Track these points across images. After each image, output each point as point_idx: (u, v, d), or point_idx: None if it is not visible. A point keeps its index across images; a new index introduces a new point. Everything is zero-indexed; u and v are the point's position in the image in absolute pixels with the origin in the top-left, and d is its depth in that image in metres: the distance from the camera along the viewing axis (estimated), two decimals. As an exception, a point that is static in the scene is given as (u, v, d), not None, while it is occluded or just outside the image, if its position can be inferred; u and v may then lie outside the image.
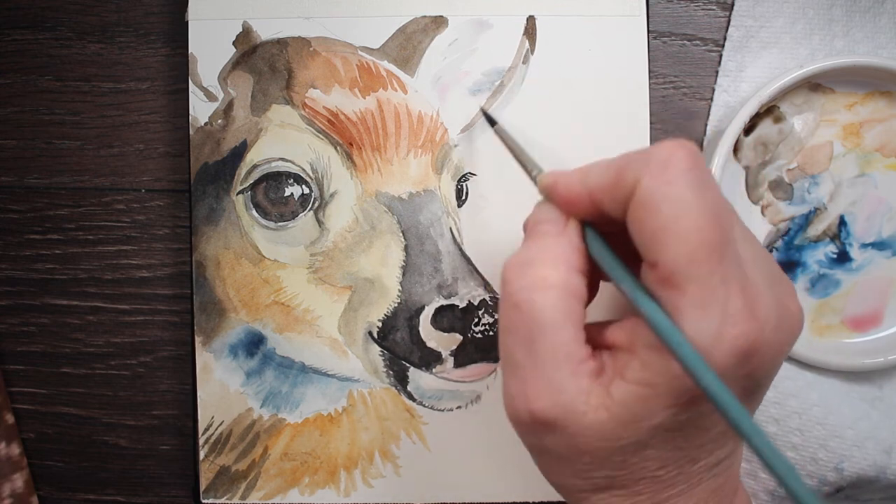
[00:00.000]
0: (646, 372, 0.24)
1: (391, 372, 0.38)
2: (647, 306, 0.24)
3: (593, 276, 0.27)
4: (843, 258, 0.39)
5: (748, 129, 0.38)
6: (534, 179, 0.30)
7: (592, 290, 0.28)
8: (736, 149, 0.38)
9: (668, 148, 0.24)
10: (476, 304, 0.37)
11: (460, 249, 0.38)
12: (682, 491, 0.26)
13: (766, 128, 0.38)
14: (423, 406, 0.38)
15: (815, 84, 0.38)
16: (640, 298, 0.24)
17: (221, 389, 0.38)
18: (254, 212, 0.38)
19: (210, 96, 0.38)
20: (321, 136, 0.38)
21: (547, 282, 0.25)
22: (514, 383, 0.26)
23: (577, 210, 0.26)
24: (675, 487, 0.26)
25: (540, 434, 0.25)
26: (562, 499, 0.38)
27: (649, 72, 0.38)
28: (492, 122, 0.37)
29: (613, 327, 0.26)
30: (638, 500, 0.26)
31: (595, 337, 0.26)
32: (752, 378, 0.24)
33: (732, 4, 0.39)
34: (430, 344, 0.37)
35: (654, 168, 0.23)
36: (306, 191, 0.38)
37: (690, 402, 0.24)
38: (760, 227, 0.39)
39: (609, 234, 0.27)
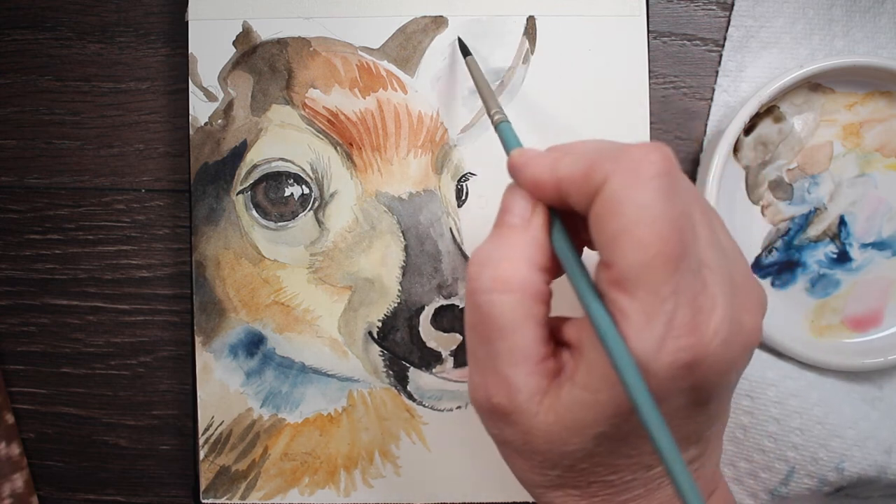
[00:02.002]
0: (590, 377, 0.23)
1: (391, 372, 0.38)
2: (594, 309, 0.23)
3: (558, 267, 0.27)
4: (843, 258, 0.39)
5: (748, 129, 0.38)
6: (492, 118, 0.31)
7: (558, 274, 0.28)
8: (736, 149, 0.38)
9: (641, 150, 0.23)
10: (476, 304, 0.37)
11: (460, 249, 0.38)
12: (639, 495, 0.26)
13: (766, 128, 0.38)
14: (423, 406, 0.38)
15: (815, 84, 0.38)
16: (590, 301, 0.23)
17: (221, 389, 0.38)
18: (254, 212, 0.38)
19: (210, 96, 0.38)
20: (321, 136, 0.38)
21: (507, 284, 0.24)
22: (476, 374, 0.26)
23: (543, 196, 0.26)
24: (630, 492, 0.25)
25: (499, 425, 0.26)
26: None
27: (649, 72, 0.38)
28: (466, 51, 0.37)
29: (568, 324, 0.26)
30: (593, 500, 0.26)
31: (557, 332, 0.26)
32: (697, 391, 0.24)
33: (732, 4, 0.39)
34: (430, 344, 0.37)
35: (624, 169, 0.23)
36: (306, 191, 0.38)
37: (631, 411, 0.23)
38: (760, 226, 0.39)
39: (573, 219, 0.26)
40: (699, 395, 0.24)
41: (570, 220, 0.26)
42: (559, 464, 0.25)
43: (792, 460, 0.36)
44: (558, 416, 0.24)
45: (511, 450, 0.26)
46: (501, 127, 0.30)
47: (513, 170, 0.27)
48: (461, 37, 0.38)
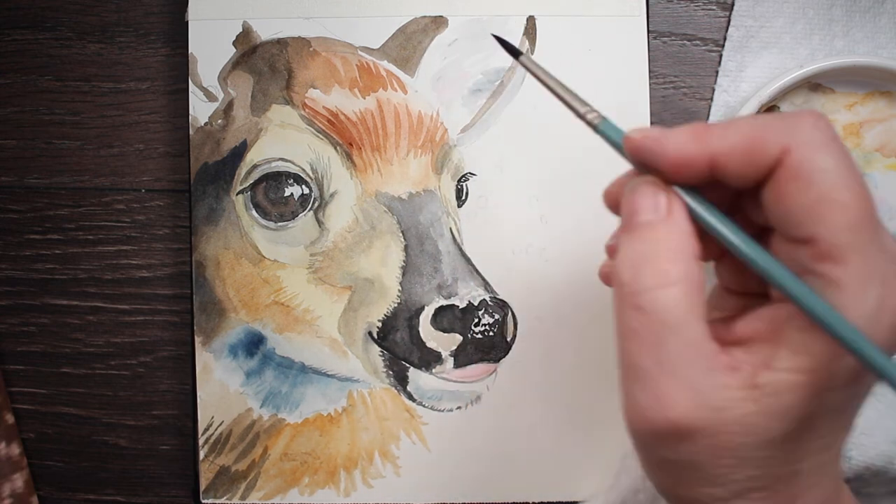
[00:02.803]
0: (799, 358, 0.22)
1: (391, 372, 0.38)
2: (798, 288, 0.22)
3: (705, 254, 0.25)
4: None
5: (748, 129, 0.38)
6: (585, 119, 0.27)
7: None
8: (736, 148, 0.38)
9: (811, 116, 0.22)
10: (476, 304, 0.37)
11: (460, 249, 0.38)
12: (815, 483, 0.24)
13: (766, 128, 0.38)
14: (423, 406, 0.38)
15: (815, 84, 0.38)
16: (787, 279, 0.22)
17: (221, 389, 0.38)
18: (254, 212, 0.38)
19: (210, 96, 0.38)
20: (321, 136, 0.38)
21: (669, 277, 0.23)
22: (642, 392, 0.23)
23: (687, 176, 0.24)
24: (809, 478, 0.24)
25: (674, 444, 0.23)
26: (561, 499, 0.38)
27: (649, 72, 0.38)
28: (515, 52, 0.30)
29: (745, 320, 0.24)
30: (777, 499, 0.24)
31: (719, 334, 0.24)
32: None
33: (732, 4, 0.39)
34: (430, 344, 0.37)
35: (805, 137, 0.22)
36: (306, 191, 0.38)
37: (847, 382, 0.23)
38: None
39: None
40: None
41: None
42: (753, 459, 0.23)
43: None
44: (761, 404, 0.22)
45: (684, 468, 0.24)
46: (603, 126, 0.26)
47: (644, 152, 0.24)
48: (495, 34, 0.32)
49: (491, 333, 0.37)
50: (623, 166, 0.26)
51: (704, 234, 0.24)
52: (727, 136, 0.23)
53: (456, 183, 0.38)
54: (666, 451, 0.24)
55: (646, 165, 0.25)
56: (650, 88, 0.38)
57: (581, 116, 0.27)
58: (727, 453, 0.23)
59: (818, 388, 0.22)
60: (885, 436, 0.36)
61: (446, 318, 0.37)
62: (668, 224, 0.24)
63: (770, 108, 0.38)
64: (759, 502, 0.24)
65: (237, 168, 0.38)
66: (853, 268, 0.21)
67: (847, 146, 0.38)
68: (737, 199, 0.26)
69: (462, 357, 0.37)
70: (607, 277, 0.27)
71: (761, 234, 0.25)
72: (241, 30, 0.38)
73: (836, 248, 0.21)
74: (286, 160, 0.38)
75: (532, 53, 0.38)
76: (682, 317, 0.23)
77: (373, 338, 0.38)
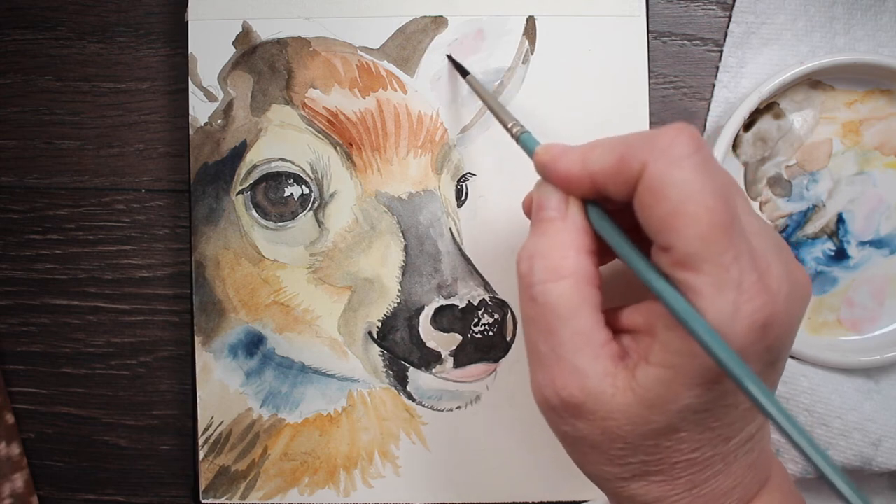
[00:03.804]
0: (667, 354, 0.24)
1: (391, 372, 0.38)
2: (662, 288, 0.24)
3: (603, 251, 0.27)
4: (840, 256, 0.39)
5: (748, 125, 0.38)
6: (510, 132, 0.31)
7: (605, 261, 0.28)
8: (735, 145, 0.38)
9: (671, 132, 0.24)
10: (475, 304, 0.37)
11: (460, 249, 0.38)
12: (719, 471, 0.26)
13: (765, 124, 0.38)
14: (423, 406, 0.38)
15: (815, 81, 0.38)
16: (655, 280, 0.24)
17: (221, 389, 0.38)
18: (253, 212, 0.38)
19: (210, 96, 0.38)
20: (321, 136, 0.38)
21: (559, 272, 0.25)
22: (540, 372, 0.26)
23: (577, 191, 0.26)
24: (712, 468, 0.26)
25: (571, 420, 0.26)
26: (561, 499, 0.38)
27: (649, 72, 0.38)
28: (463, 71, 0.37)
29: (630, 311, 0.26)
30: (676, 484, 0.26)
31: (614, 322, 0.26)
32: (771, 351, 0.24)
33: (733, 3, 0.39)
34: (430, 344, 0.37)
35: (659, 152, 0.23)
36: (306, 191, 0.38)
37: (714, 380, 0.24)
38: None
39: (615, 215, 0.27)
40: (771, 354, 0.25)
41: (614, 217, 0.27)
42: (642, 446, 0.25)
43: (776, 444, 0.37)
44: (637, 395, 0.24)
45: (586, 446, 0.26)
46: (524, 138, 0.30)
47: (542, 168, 0.27)
48: (450, 54, 0.38)
49: (490, 333, 0.37)
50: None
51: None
52: (603, 156, 0.25)
53: (456, 183, 0.38)
54: (565, 426, 0.26)
55: (546, 179, 0.28)
56: (650, 88, 0.38)
57: (507, 129, 0.31)
58: (619, 439, 0.25)
59: (688, 385, 0.24)
60: (864, 438, 0.36)
61: (446, 317, 0.37)
62: (566, 220, 0.26)
63: (770, 104, 0.38)
64: (658, 485, 0.26)
65: (237, 168, 0.38)
66: (706, 276, 0.23)
67: (845, 144, 0.38)
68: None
69: (462, 357, 0.37)
70: (528, 208, 0.29)
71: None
72: (240, 30, 0.38)
73: (690, 257, 0.23)
74: (286, 160, 0.38)
75: (532, 53, 0.38)
76: (571, 308, 0.25)
77: (373, 338, 0.38)
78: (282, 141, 0.38)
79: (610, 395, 0.25)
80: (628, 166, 0.24)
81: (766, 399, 0.22)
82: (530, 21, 0.38)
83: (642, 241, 0.25)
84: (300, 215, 0.38)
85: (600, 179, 0.25)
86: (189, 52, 0.38)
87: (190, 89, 0.38)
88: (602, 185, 0.25)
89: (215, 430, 0.38)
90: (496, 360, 0.38)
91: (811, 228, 0.39)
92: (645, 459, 0.26)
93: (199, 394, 0.38)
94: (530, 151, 0.29)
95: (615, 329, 0.26)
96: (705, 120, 0.39)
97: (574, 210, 0.27)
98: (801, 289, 0.25)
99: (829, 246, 0.39)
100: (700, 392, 0.24)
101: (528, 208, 0.29)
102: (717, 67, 0.39)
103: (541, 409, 0.27)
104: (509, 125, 0.31)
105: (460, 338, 0.37)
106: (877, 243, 0.39)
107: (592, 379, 0.25)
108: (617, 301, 0.27)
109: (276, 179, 0.38)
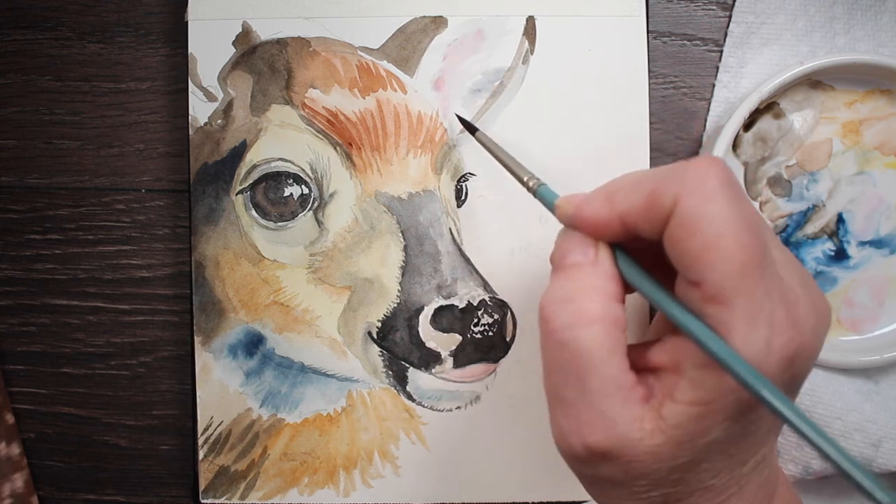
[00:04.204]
0: (697, 391, 0.24)
1: (390, 372, 0.38)
2: (693, 326, 0.24)
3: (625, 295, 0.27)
4: (840, 256, 0.39)
5: (747, 125, 0.38)
6: (527, 186, 0.31)
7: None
8: (735, 144, 0.38)
9: (702, 164, 0.24)
10: (475, 304, 0.37)
11: (460, 249, 0.38)
12: (732, 493, 0.26)
13: (765, 124, 0.38)
14: (423, 406, 0.38)
15: (815, 81, 0.38)
16: (686, 319, 0.24)
17: (221, 389, 0.38)
18: (253, 212, 0.38)
19: (210, 96, 0.38)
20: (321, 136, 0.38)
21: (589, 317, 0.25)
22: (565, 419, 0.26)
23: (607, 235, 0.26)
24: (727, 492, 0.26)
25: (596, 465, 0.25)
26: (561, 499, 0.38)
27: (649, 72, 0.38)
28: (471, 129, 0.37)
29: (655, 349, 0.26)
30: None
31: (636, 360, 0.26)
32: (795, 379, 0.25)
33: (733, 3, 0.39)
34: (430, 344, 0.37)
35: (693, 186, 0.23)
36: (306, 191, 0.38)
37: (744, 413, 0.24)
38: (759, 224, 0.39)
39: (632, 249, 0.27)
40: (794, 383, 0.25)
41: (630, 251, 0.27)
42: (665, 480, 0.25)
43: (777, 446, 0.37)
44: (667, 435, 0.24)
45: (607, 485, 0.26)
46: (541, 191, 0.30)
47: (566, 219, 0.27)
48: (458, 113, 0.38)
49: (490, 333, 0.37)
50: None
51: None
52: (630, 196, 0.25)
53: (455, 183, 0.38)
54: (588, 469, 0.26)
55: (572, 228, 0.27)
56: (650, 88, 0.38)
57: (523, 183, 0.31)
58: (642, 477, 0.25)
59: (718, 419, 0.24)
60: (864, 439, 0.36)
61: (446, 318, 0.37)
62: (594, 266, 0.26)
63: (770, 104, 0.38)
64: None
65: (237, 168, 0.38)
66: (739, 311, 0.23)
67: (845, 144, 0.38)
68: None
69: (461, 357, 0.37)
70: None
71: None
72: (240, 30, 0.38)
73: (722, 292, 0.23)
74: (286, 160, 0.38)
75: (532, 53, 0.38)
76: (602, 355, 0.25)
77: (372, 338, 0.38)
78: (281, 141, 0.38)
79: (638, 439, 0.24)
80: (659, 202, 0.24)
81: (817, 434, 0.22)
82: (530, 21, 0.38)
83: (665, 275, 0.25)
84: (300, 215, 0.38)
85: (630, 220, 0.25)
86: (189, 52, 0.38)
87: (190, 89, 0.38)
88: (633, 225, 0.25)
89: (215, 430, 0.38)
90: (496, 361, 0.38)
91: (811, 228, 0.39)
92: (666, 492, 0.26)
93: (198, 394, 0.38)
94: (550, 204, 0.29)
95: (637, 368, 0.26)
96: (705, 120, 0.39)
97: (604, 255, 0.26)
98: (825, 319, 0.26)
99: (829, 246, 0.39)
100: (729, 424, 0.24)
101: None
102: (717, 67, 0.39)
103: (563, 455, 0.26)
104: (525, 179, 0.31)
105: (460, 338, 0.37)
106: (877, 243, 0.39)
107: (622, 426, 0.24)
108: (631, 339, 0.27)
109: (275, 179, 0.38)
